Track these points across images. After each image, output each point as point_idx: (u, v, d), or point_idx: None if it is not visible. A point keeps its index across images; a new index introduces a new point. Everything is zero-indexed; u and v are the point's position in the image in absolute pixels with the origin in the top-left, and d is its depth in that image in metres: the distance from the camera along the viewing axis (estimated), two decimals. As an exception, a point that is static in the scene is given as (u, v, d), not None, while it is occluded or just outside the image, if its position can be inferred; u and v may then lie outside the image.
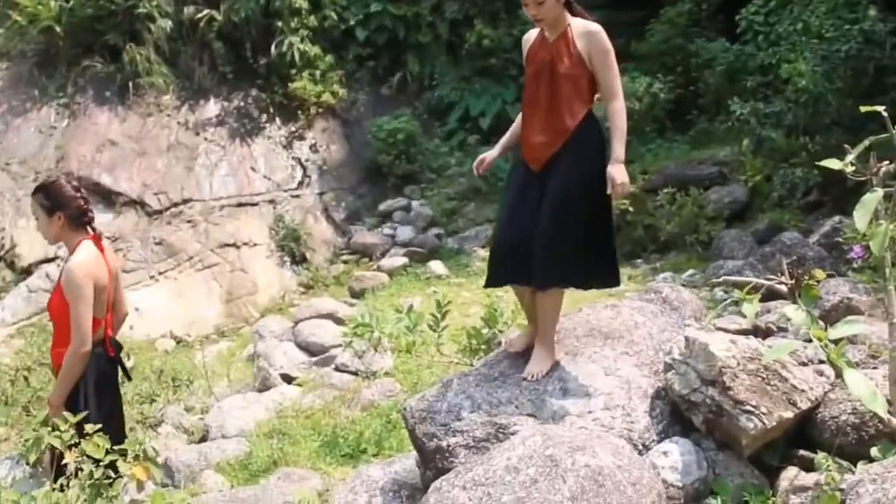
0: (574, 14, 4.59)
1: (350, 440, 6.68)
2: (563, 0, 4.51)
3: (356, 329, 6.91)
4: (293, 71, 14.70)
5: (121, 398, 4.80)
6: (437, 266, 12.16)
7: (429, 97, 15.55)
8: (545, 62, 4.62)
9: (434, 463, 4.64)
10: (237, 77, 14.97)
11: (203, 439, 7.55)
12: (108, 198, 13.38)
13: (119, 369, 4.74)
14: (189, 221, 13.16)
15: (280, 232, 13.47)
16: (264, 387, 8.65)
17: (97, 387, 4.35)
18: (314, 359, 9.28)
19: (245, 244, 13.14)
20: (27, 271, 12.67)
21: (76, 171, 13.47)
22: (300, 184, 14.31)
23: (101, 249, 4.50)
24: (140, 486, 3.20)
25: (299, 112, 14.80)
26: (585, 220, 4.58)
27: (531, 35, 4.81)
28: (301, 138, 14.73)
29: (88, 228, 4.48)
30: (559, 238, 4.54)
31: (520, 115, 4.84)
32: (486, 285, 4.89)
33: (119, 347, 4.72)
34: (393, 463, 5.75)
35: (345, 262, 13.34)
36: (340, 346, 9.38)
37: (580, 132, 4.54)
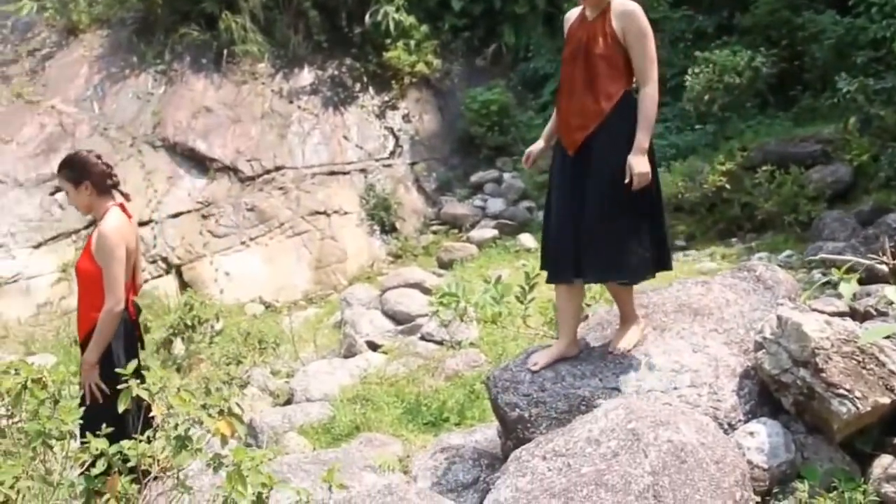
0: None
1: (433, 409, 6.69)
2: None
3: (443, 298, 6.88)
4: (388, 40, 14.67)
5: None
6: (526, 239, 12.06)
7: (523, 69, 15.36)
8: (582, 42, 4.47)
9: (515, 433, 4.65)
10: (332, 46, 15.02)
11: (288, 402, 7.64)
12: (202, 164, 13.59)
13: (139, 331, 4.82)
14: (281, 188, 13.29)
15: (371, 201, 13.51)
16: (350, 353, 8.71)
17: (126, 347, 4.51)
18: (400, 327, 9.29)
19: (336, 212, 13.22)
20: (123, 234, 12.96)
21: (171, 136, 13.73)
22: (392, 153, 14.32)
23: (129, 216, 4.65)
24: (224, 441, 3.21)
25: (393, 82, 14.79)
26: (630, 208, 4.42)
27: (572, 14, 4.68)
28: (394, 108, 14.72)
29: (116, 195, 4.65)
30: (605, 231, 4.41)
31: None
32: (548, 281, 4.83)
33: (139, 310, 4.80)
34: (474, 432, 5.75)
35: (434, 232, 13.33)
36: (426, 315, 9.40)
37: (616, 114, 4.40)
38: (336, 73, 14.83)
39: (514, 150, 14.15)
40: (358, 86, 14.79)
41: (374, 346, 8.83)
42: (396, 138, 14.47)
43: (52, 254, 12.85)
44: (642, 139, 4.30)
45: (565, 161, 4.54)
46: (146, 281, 12.35)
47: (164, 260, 12.55)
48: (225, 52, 14.55)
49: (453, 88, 15.10)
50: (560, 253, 4.58)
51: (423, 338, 8.43)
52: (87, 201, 4.61)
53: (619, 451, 3.79)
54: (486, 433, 5.61)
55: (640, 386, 4.54)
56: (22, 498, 2.83)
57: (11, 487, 2.77)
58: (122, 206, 4.63)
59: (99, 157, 4.69)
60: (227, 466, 3.26)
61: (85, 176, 4.57)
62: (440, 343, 8.18)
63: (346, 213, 13.24)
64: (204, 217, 12.93)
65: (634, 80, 4.47)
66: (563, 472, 3.82)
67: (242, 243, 12.71)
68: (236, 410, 3.33)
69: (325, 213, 13.17)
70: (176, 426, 3.23)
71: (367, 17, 14.73)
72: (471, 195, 13.68)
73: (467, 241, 12.48)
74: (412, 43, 14.68)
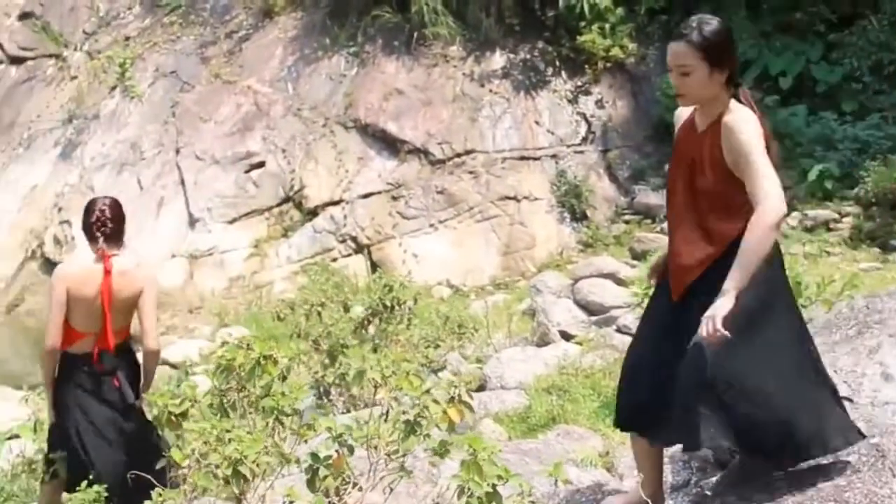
0: (743, 100, 3.42)
1: (632, 404, 6.40)
2: (724, 79, 3.36)
3: (647, 290, 6.58)
4: (582, 24, 14.29)
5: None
6: (725, 232, 11.50)
7: (724, 54, 14.70)
8: (686, 160, 3.60)
9: None
10: (524, 29, 14.78)
11: (480, 388, 7.50)
12: (393, 145, 13.67)
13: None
14: (471, 172, 13.20)
15: (561, 188, 13.23)
16: (543, 342, 8.50)
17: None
18: (594, 318, 9.02)
19: (525, 198, 13.02)
20: (314, 213, 13.21)
21: (363, 118, 13.87)
22: (584, 140, 13.98)
23: (106, 268, 4.72)
24: (451, 428, 3.06)
25: (586, 66, 14.42)
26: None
27: (682, 113, 3.81)
28: (587, 93, 14.36)
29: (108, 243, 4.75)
30: (701, 397, 3.36)
31: None
32: (616, 426, 4.18)
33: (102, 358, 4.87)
34: (682, 433, 5.46)
35: (626, 222, 12.93)
36: (621, 306, 9.11)
37: (729, 258, 3.25)
38: (528, 56, 14.59)
39: (711, 138, 13.58)
40: (550, 70, 14.51)
41: (567, 336, 8.58)
42: (589, 124, 14.12)
43: (245, 229, 13.25)
44: (732, 280, 3.18)
45: (667, 302, 3.67)
46: (334, 260, 12.54)
47: (354, 240, 12.70)
48: (416, 34, 14.56)
49: (649, 73, 14.59)
50: (640, 409, 3.77)
51: (619, 330, 8.12)
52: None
53: (861, 466, 3.45)
54: (697, 434, 5.31)
55: (875, 397, 4.16)
56: (262, 473, 2.77)
57: (254, 462, 2.71)
58: (102, 254, 4.73)
59: (106, 206, 4.83)
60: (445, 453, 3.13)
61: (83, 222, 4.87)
62: (638, 336, 7.85)
63: (536, 198, 13.02)
64: (394, 199, 13.01)
65: None
66: (796, 483, 3.51)
67: (431, 226, 12.70)
68: (465, 397, 3.17)
69: (514, 198, 12.99)
70: (404, 411, 3.10)
71: (560, 0, 14.43)
72: (665, 185, 13.18)
73: (661, 233, 12.02)
74: (607, 26, 14.25)
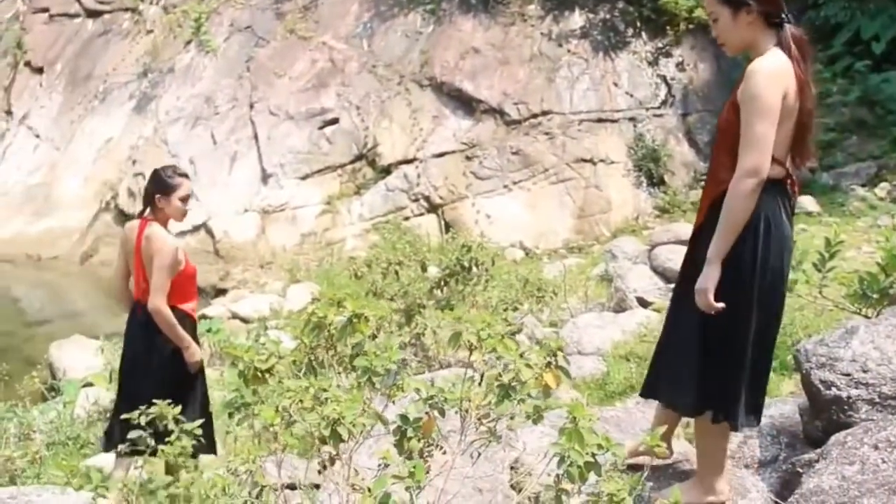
0: (783, 43, 3.42)
1: (712, 375, 6.24)
2: (753, 20, 3.40)
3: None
4: (665, -17, 13.97)
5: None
6: (807, 201, 11.15)
7: (812, 17, 14.14)
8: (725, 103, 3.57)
9: (827, 413, 4.20)
10: (605, -12, 14.48)
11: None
12: (469, 105, 13.49)
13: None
14: (547, 133, 12.97)
15: (639, 151, 12.93)
16: (619, 308, 8.33)
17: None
18: (671, 285, 8.81)
19: (602, 161, 12.77)
20: (387, 171, 13.12)
21: (439, 76, 13.71)
22: (663, 103, 13.63)
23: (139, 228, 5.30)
24: (546, 393, 2.96)
25: (668, 28, 14.03)
26: (711, 331, 3.56)
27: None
28: (668, 55, 13.99)
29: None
30: (675, 353, 3.78)
31: None
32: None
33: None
34: (768, 406, 5.26)
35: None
36: (699, 274, 8.89)
37: (720, 207, 3.38)
38: (608, 16, 14.26)
39: (796, 104, 13.15)
40: (630, 30, 14.16)
41: (644, 303, 8.41)
42: (669, 87, 13.76)
43: (317, 186, 13.23)
44: (713, 248, 3.35)
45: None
46: (406, 219, 12.47)
47: (427, 199, 12.59)
48: (494, -9, 14.36)
49: (733, 36, 14.18)
50: (652, 366, 4.15)
51: (699, 298, 7.90)
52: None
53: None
54: (782, 408, 5.13)
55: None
56: (359, 433, 2.69)
57: (351, 422, 2.63)
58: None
59: (161, 173, 5.34)
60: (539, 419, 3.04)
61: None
62: (718, 305, 7.63)
63: (612, 162, 12.76)
64: (468, 158, 12.85)
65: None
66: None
67: (505, 187, 12.53)
68: (562, 362, 3.06)
69: (590, 161, 12.73)
70: (498, 375, 2.99)
71: (642, -41, 14.07)
72: (746, 150, 12.81)
73: (741, 200, 11.70)
74: (690, -14, 13.89)
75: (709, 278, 3.34)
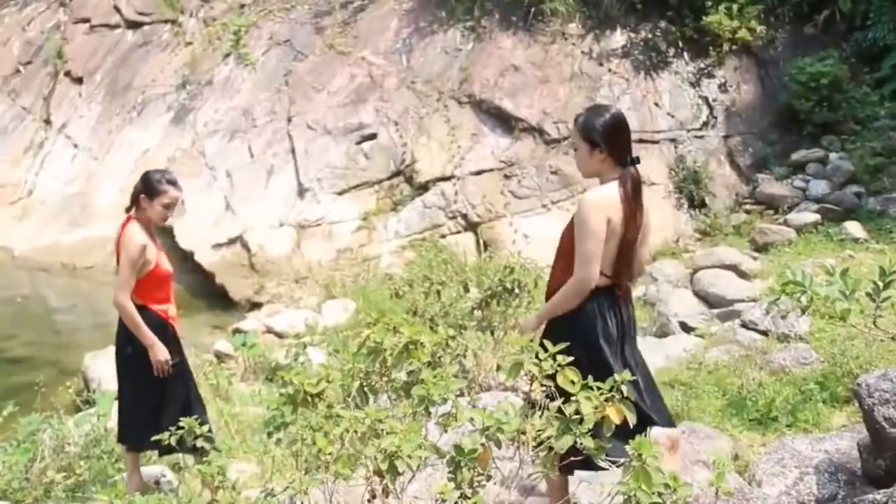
0: (623, 179, 4.22)
1: (760, 405, 6.09)
2: (604, 158, 4.23)
3: (786, 287, 6.20)
4: (708, 3, 13.75)
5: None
6: (853, 227, 10.93)
7: (859, 38, 13.90)
8: None
9: (892, 452, 4.06)
10: (646, 7, 14.28)
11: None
12: (508, 122, 13.38)
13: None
14: (586, 153, 12.81)
15: (680, 173, 12.74)
16: (662, 333, 8.19)
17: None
18: (716, 311, 8.64)
19: (642, 182, 12.57)
20: (424, 187, 13.01)
21: (478, 93, 13.62)
22: (705, 124, 13.45)
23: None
24: (608, 428, 2.83)
25: (710, 48, 13.85)
26: None
27: None
28: (710, 76, 13.82)
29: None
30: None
31: None
32: None
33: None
34: (822, 440, 5.12)
35: (747, 211, 12.36)
36: (744, 300, 8.74)
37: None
38: (650, 36, 14.11)
39: (843, 128, 12.89)
40: (672, 50, 14.01)
41: (687, 328, 8.25)
42: (711, 108, 13.58)
43: (354, 201, 13.16)
44: (544, 309, 4.30)
45: None
46: (443, 236, 12.36)
47: (464, 217, 12.48)
48: (534, 10, 14.22)
49: (777, 57, 13.96)
50: None
51: (745, 325, 7.73)
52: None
53: None
54: (839, 443, 4.97)
55: None
56: (416, 467, 2.58)
57: (409, 456, 2.52)
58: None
59: (151, 176, 5.62)
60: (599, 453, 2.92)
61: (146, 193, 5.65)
62: (764, 333, 7.46)
63: (652, 183, 12.57)
64: (506, 177, 12.74)
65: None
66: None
67: (543, 206, 12.39)
68: (627, 394, 2.93)
69: (630, 181, 12.55)
70: (560, 408, 2.87)
71: (685, -21, 13.92)
72: (790, 175, 12.53)
73: (784, 224, 11.49)
74: (734, 7, 13.63)
75: (530, 325, 4.32)
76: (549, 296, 4.33)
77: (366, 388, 3.18)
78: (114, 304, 5.52)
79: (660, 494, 2.59)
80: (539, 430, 2.87)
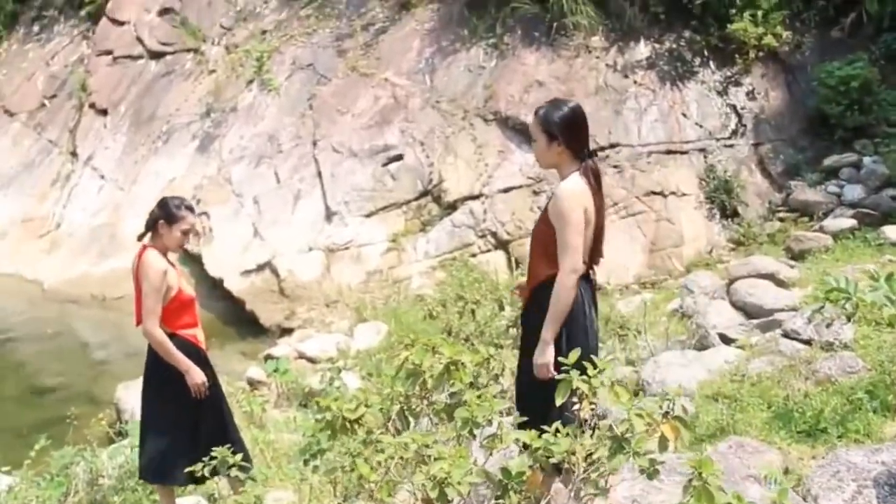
0: (584, 171, 4.43)
1: (807, 416, 5.91)
2: (562, 150, 4.42)
3: (830, 294, 6.04)
4: (732, 11, 13.57)
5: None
6: (891, 231, 10.69)
7: (888, 40, 13.64)
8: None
9: None
10: (670, 18, 14.13)
11: (636, 393, 7.09)
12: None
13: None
14: (615, 166, 12.67)
15: (710, 183, 12.55)
16: (701, 346, 8.01)
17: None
18: (756, 321, 8.45)
19: (672, 193, 12.42)
20: (452, 206, 12.91)
21: (504, 110, 13.53)
22: (734, 133, 13.26)
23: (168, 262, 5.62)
24: (663, 446, 2.70)
25: (736, 56, 13.67)
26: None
27: None
28: (737, 84, 13.63)
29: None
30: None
31: None
32: None
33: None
34: (879, 451, 4.95)
35: (781, 219, 12.14)
36: (783, 309, 8.55)
37: (538, 295, 4.42)
38: (674, 46, 13.96)
39: (875, 131, 12.62)
40: (698, 60, 13.84)
41: (727, 340, 8.07)
42: (739, 116, 13.39)
43: (382, 223, 13.08)
44: (546, 331, 4.25)
45: None
46: (473, 255, 12.25)
47: (494, 235, 12.36)
48: (556, 24, 14.12)
49: (804, 63, 13.75)
50: None
51: (786, 335, 7.54)
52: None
53: None
54: (895, 454, 4.82)
55: None
56: (466, 494, 2.45)
57: (459, 483, 2.39)
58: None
59: (170, 202, 5.67)
60: (654, 474, 2.78)
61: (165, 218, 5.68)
62: (807, 343, 7.27)
63: (683, 194, 12.40)
64: (535, 193, 12.60)
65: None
66: None
67: (573, 222, 12.23)
68: (680, 413, 2.80)
69: (661, 193, 12.38)
70: (611, 426, 2.74)
71: (708, -13, 13.76)
72: (823, 180, 12.29)
73: (820, 231, 11.28)
74: (759, 13, 13.45)
75: (546, 355, 4.17)
76: (530, 286, 4.53)
77: (405, 412, 3.06)
78: (144, 335, 5.51)
79: (722, 515, 2.46)
80: (589, 451, 2.74)
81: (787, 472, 5.30)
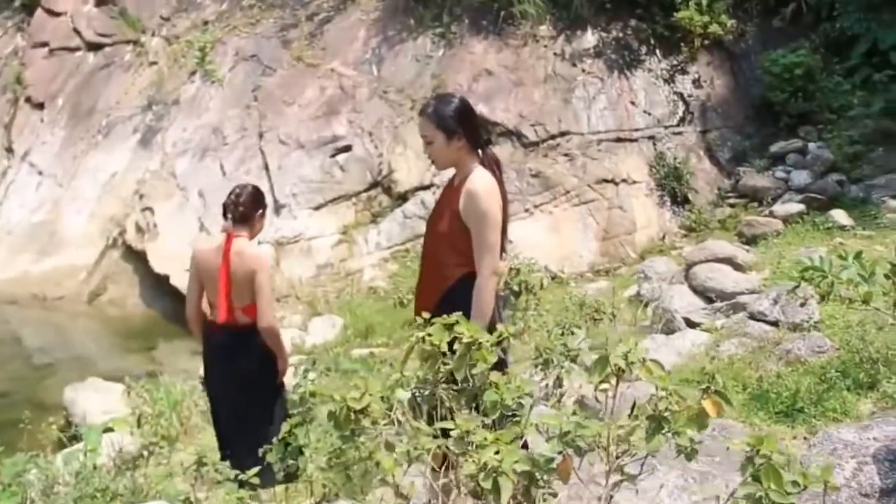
0: (486, 162, 4.23)
1: (783, 397, 5.92)
2: (462, 145, 4.18)
3: (804, 273, 6.05)
4: (677, 0, 13.71)
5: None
6: (839, 215, 10.89)
7: (826, 29, 13.90)
8: (436, 208, 4.45)
9: None
10: (616, 6, 14.16)
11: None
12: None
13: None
14: (566, 155, 12.66)
15: (660, 170, 12.62)
16: (668, 330, 8.02)
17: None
18: (720, 304, 8.49)
19: (623, 181, 12.45)
20: (403, 197, 12.78)
21: (452, 100, 13.39)
22: (682, 120, 13.36)
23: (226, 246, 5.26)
24: (703, 424, 2.61)
25: (682, 44, 13.78)
26: None
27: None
28: (684, 72, 13.73)
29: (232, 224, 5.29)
30: None
31: None
32: None
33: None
34: (870, 428, 4.97)
35: (731, 205, 12.27)
36: (744, 292, 8.60)
37: (452, 297, 4.10)
38: (621, 34, 14.00)
39: (819, 118, 12.84)
40: (644, 48, 13.90)
41: (691, 324, 8.10)
42: (686, 104, 13.48)
43: (332, 215, 12.90)
44: (476, 322, 3.84)
45: None
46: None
47: (447, 225, 12.24)
48: (503, 13, 14.07)
49: (748, 51, 13.92)
50: None
51: (753, 317, 7.57)
52: None
53: None
54: (886, 430, 4.82)
55: None
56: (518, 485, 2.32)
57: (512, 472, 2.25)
58: (227, 234, 5.30)
59: (240, 190, 5.40)
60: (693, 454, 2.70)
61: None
62: (774, 324, 7.31)
63: (634, 182, 12.44)
64: (486, 182, 12.51)
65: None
66: None
67: (526, 210, 12.19)
68: (720, 387, 2.72)
69: (612, 181, 12.40)
70: (655, 405, 2.65)
71: (653, -24, 13.81)
72: (770, 167, 12.44)
73: (770, 216, 11.41)
74: (704, 2, 13.58)
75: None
76: (427, 287, 4.35)
77: (417, 399, 2.92)
78: (263, 329, 5.22)
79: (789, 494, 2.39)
80: (626, 433, 2.63)
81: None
